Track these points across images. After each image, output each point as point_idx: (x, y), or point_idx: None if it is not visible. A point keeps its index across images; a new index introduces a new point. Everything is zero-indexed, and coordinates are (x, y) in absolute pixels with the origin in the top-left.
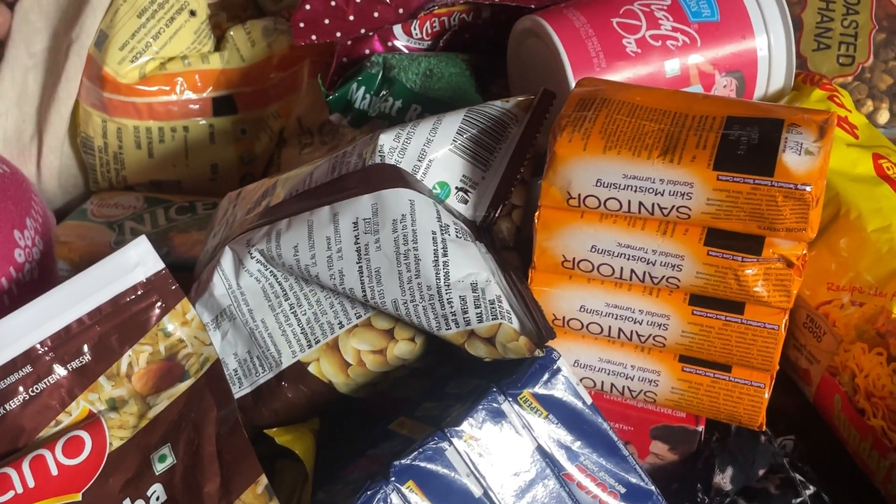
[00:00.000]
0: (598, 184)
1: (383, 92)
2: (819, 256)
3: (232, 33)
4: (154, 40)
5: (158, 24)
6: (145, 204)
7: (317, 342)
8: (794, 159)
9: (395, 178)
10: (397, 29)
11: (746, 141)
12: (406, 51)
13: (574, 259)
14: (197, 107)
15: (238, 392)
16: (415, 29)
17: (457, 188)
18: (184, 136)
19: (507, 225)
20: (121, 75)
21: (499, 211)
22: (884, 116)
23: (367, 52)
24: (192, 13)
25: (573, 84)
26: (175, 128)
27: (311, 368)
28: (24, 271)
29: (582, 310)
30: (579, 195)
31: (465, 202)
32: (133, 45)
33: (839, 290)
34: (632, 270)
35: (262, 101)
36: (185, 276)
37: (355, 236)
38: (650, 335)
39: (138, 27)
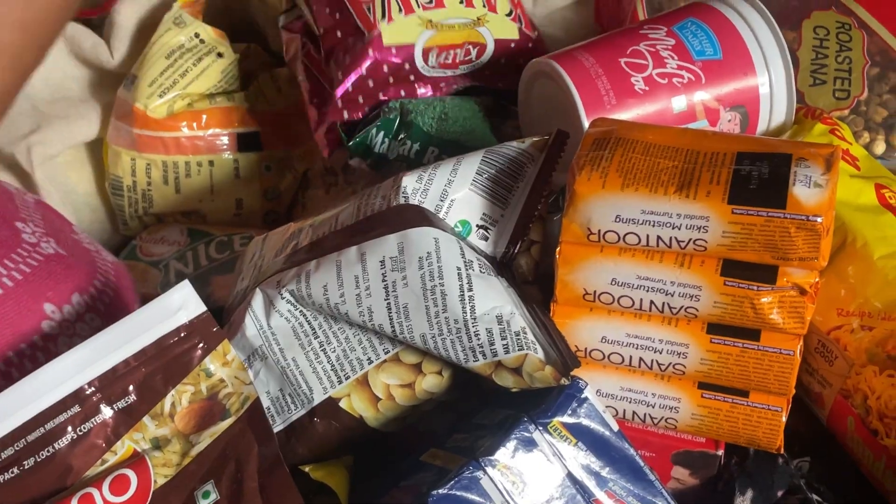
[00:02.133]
0: (618, 219)
1: (401, 136)
2: (828, 283)
3: (259, 79)
4: (182, 77)
5: (186, 64)
6: (189, 238)
7: (347, 378)
8: (804, 192)
9: (420, 217)
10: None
11: (758, 175)
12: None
13: (595, 292)
14: (222, 141)
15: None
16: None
17: (477, 226)
18: (209, 170)
19: (527, 260)
20: (150, 110)
21: (518, 247)
22: (880, 147)
23: (384, 97)
24: (220, 55)
25: (586, 122)
26: (201, 162)
27: (343, 404)
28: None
29: (603, 341)
30: (599, 231)
31: (486, 239)
32: (161, 81)
33: (849, 315)
34: (651, 301)
35: (287, 143)
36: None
37: (383, 274)
38: (670, 363)
39: (166, 66)
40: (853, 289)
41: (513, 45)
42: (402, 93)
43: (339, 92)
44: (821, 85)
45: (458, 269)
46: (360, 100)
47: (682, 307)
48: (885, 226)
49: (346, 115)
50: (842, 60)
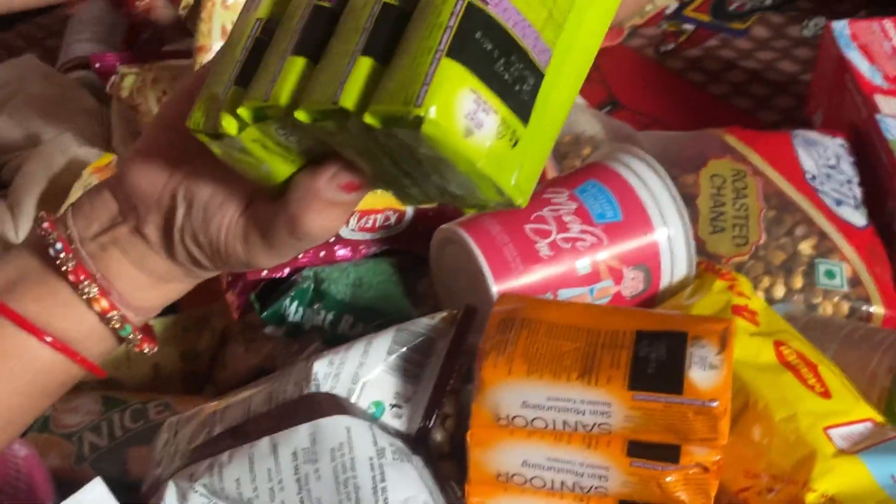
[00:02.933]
0: (524, 405)
1: (316, 305)
2: (735, 444)
3: None
4: None
5: None
6: (102, 407)
7: None
8: (699, 375)
9: (331, 405)
10: None
11: (655, 358)
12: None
13: (507, 473)
14: None
15: None
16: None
17: (391, 405)
18: None
19: (442, 434)
20: None
21: (432, 421)
22: (780, 291)
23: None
24: None
25: (494, 289)
26: None
27: None
28: None
29: None
30: (507, 415)
31: (400, 416)
32: None
33: (756, 476)
34: (562, 482)
35: (203, 300)
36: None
37: (295, 467)
38: None
39: None
40: (759, 449)
41: (430, 212)
42: (322, 253)
43: None
44: (720, 232)
45: (371, 458)
46: None
47: (591, 486)
48: (785, 386)
49: (264, 273)
50: (739, 207)
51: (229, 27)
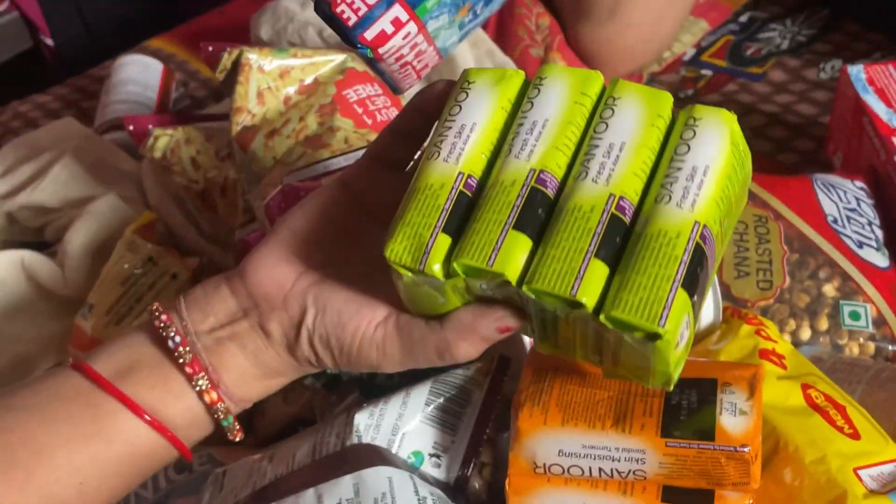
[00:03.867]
0: (560, 454)
1: None
2: (767, 487)
3: None
4: (137, 303)
5: (141, 289)
6: None
7: None
8: (730, 421)
9: (373, 456)
10: None
11: (687, 405)
12: None
13: None
14: None
15: None
16: None
17: (429, 454)
18: None
19: (479, 482)
20: (105, 337)
21: (470, 469)
22: (806, 333)
23: None
24: (174, 276)
25: (526, 338)
26: None
27: None
28: None
29: None
30: (544, 464)
31: (439, 466)
32: (118, 309)
33: None
34: None
35: None
36: None
37: None
38: None
39: (122, 293)
40: (790, 491)
41: None
42: None
43: None
44: (745, 277)
45: None
46: None
47: None
48: (813, 428)
49: None
50: (762, 252)
51: (265, 90)
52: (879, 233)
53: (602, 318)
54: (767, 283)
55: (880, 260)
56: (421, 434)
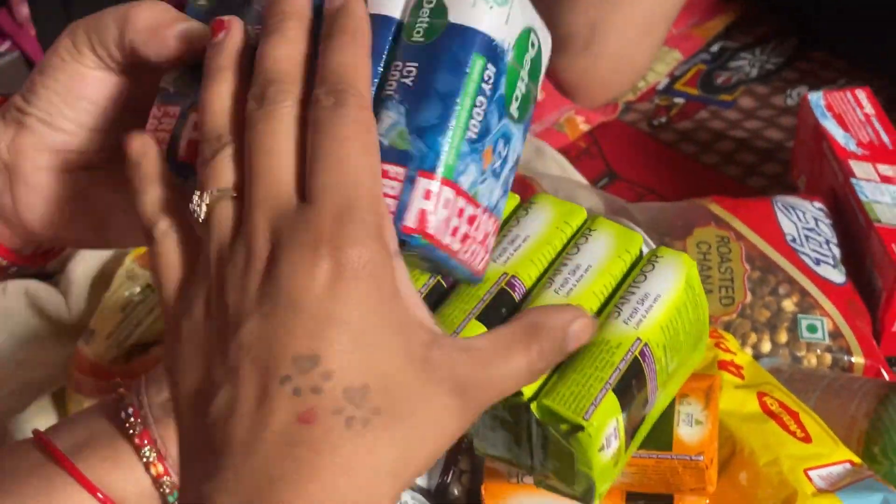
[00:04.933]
0: None
1: None
2: (725, 488)
3: None
4: (136, 328)
5: (140, 315)
6: None
7: None
8: (687, 432)
9: None
10: None
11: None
12: None
13: None
14: None
15: None
16: None
17: None
18: None
19: (458, 488)
20: (107, 362)
21: (450, 477)
22: (766, 346)
23: None
24: None
25: None
26: None
27: None
28: None
29: None
30: (517, 470)
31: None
32: (117, 334)
33: None
34: None
35: None
36: None
37: None
38: None
39: (122, 320)
40: (746, 493)
41: None
42: None
43: None
44: (708, 294)
45: None
46: None
47: None
48: (768, 433)
49: None
50: (724, 270)
51: None
52: (836, 251)
53: (534, 406)
54: (730, 300)
55: (836, 276)
56: None
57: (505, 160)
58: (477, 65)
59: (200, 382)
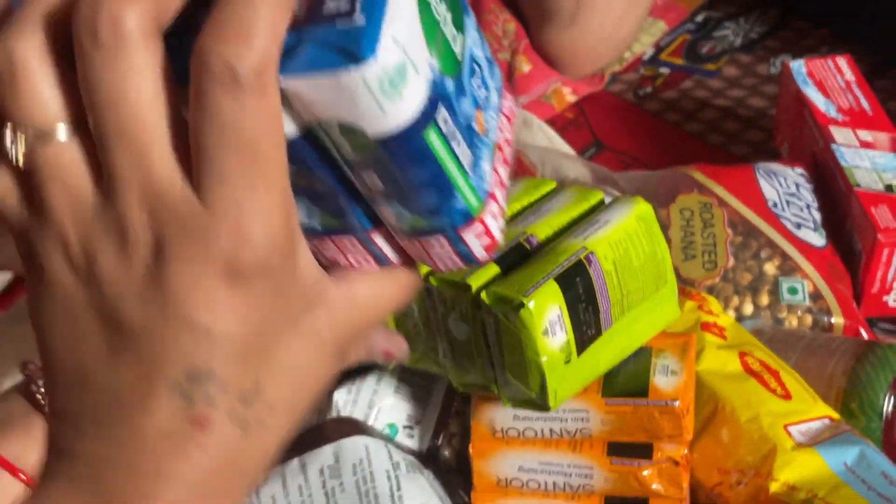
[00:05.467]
0: (515, 418)
1: None
2: (708, 445)
3: None
4: None
5: None
6: None
7: None
8: (662, 381)
9: (351, 427)
10: None
11: (625, 371)
12: None
13: (506, 479)
14: None
15: None
16: None
17: (403, 426)
18: None
19: (449, 450)
20: None
21: (440, 439)
22: (749, 308)
23: None
24: None
25: None
26: None
27: None
28: None
29: None
30: (502, 428)
31: (412, 437)
32: None
33: (727, 472)
34: (554, 483)
35: None
36: None
37: (322, 482)
38: None
39: None
40: (728, 449)
41: None
42: None
43: None
44: (692, 259)
45: (388, 471)
46: None
47: (579, 485)
48: (749, 391)
49: None
50: (707, 236)
51: None
52: (817, 215)
53: (483, 294)
54: (712, 264)
55: (817, 239)
56: (395, 408)
57: (484, 85)
58: (432, 136)
59: (75, 349)
